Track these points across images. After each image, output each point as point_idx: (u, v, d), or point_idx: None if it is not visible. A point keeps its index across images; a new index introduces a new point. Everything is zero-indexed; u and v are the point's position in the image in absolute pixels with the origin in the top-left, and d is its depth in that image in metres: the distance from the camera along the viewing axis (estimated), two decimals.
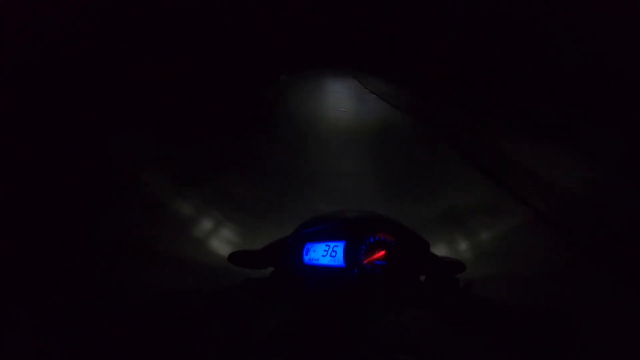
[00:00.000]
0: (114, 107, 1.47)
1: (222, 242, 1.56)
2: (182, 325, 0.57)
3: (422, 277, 0.64)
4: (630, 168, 1.42)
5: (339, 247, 0.61)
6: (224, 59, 1.73)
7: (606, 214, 1.49)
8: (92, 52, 1.31)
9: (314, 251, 0.62)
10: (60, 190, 1.33)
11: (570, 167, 1.71)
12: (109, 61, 1.37)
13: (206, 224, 1.63)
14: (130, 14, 1.33)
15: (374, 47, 1.84)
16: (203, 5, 1.41)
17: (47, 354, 0.79)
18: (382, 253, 0.60)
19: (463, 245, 1.60)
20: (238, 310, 0.62)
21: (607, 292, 1.24)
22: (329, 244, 0.62)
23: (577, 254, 1.48)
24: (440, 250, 1.56)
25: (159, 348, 0.53)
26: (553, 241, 1.58)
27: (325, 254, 0.61)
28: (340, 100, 2.29)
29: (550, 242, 1.58)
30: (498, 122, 1.90)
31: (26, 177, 1.21)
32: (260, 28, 1.63)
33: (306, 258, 0.62)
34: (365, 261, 0.60)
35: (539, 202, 1.75)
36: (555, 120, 1.69)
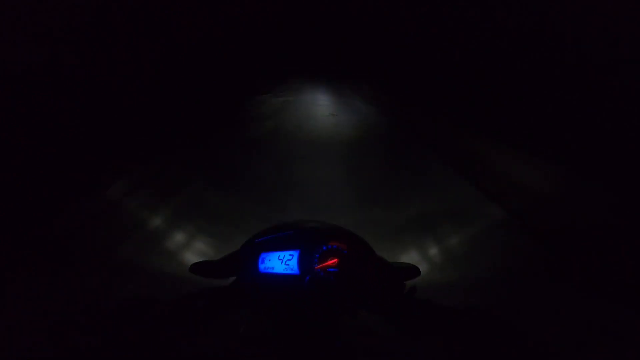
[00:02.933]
0: (82, 116, 1.45)
1: (195, 254, 1.55)
2: (149, 331, 0.58)
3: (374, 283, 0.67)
4: (597, 172, 1.47)
5: (293, 256, 0.64)
6: (199, 67, 1.74)
7: (574, 216, 1.55)
8: (61, 59, 1.30)
9: (269, 260, 0.65)
10: (24, 200, 1.30)
11: (541, 170, 1.78)
12: (79, 68, 1.36)
13: (179, 236, 1.62)
14: (102, 22, 1.33)
15: (351, 54, 1.89)
16: (179, 13, 1.43)
17: None
18: (334, 260, 0.63)
19: (433, 250, 1.66)
20: (198, 318, 0.63)
21: (566, 297, 1.26)
22: (283, 253, 0.64)
23: (541, 257, 1.54)
24: (410, 255, 1.61)
25: (128, 354, 0.54)
26: (520, 245, 1.64)
27: (280, 262, 0.64)
28: (316, 108, 2.33)
29: (516, 246, 1.64)
30: (473, 127, 1.96)
31: None
32: (236, 36, 1.65)
33: (261, 267, 0.65)
34: (318, 267, 0.62)
35: (511, 203, 1.81)
36: (527, 126, 1.75)
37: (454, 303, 0.64)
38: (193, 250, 1.57)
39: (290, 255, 0.64)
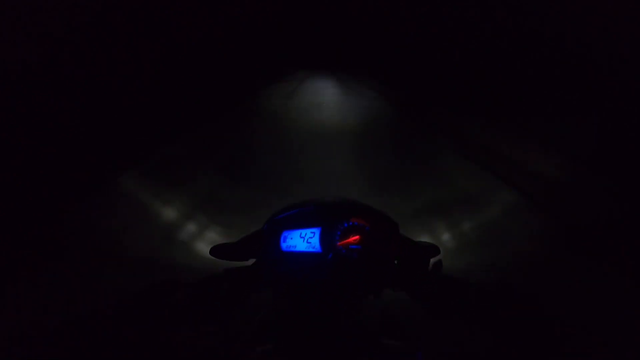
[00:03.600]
0: (93, 107, 1.44)
1: (207, 243, 1.56)
2: (170, 317, 0.58)
3: (396, 261, 0.66)
4: (606, 161, 1.45)
5: (314, 234, 0.63)
6: (205, 59, 1.72)
7: (587, 201, 1.54)
8: (72, 52, 1.29)
9: (291, 238, 0.64)
10: (39, 196, 1.31)
11: (552, 158, 1.75)
12: (87, 61, 1.35)
13: (191, 227, 1.63)
14: (110, 15, 1.32)
15: (357, 43, 1.86)
16: (183, 6, 1.41)
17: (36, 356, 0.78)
18: (356, 237, 0.61)
19: (446, 236, 1.65)
20: (222, 300, 0.63)
21: (586, 278, 1.26)
22: (304, 230, 0.63)
23: (555, 241, 1.52)
24: (422, 239, 1.60)
25: (148, 342, 0.54)
26: (533, 229, 1.63)
27: (301, 240, 0.63)
28: (323, 97, 2.31)
29: (530, 231, 1.63)
30: (485, 116, 1.93)
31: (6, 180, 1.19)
32: (241, 26, 1.63)
33: (283, 245, 0.64)
34: (340, 244, 0.61)
35: (523, 188, 1.78)
36: (539, 116, 1.72)
37: (478, 284, 0.63)
38: (206, 240, 1.58)
39: (312, 232, 0.63)
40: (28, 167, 1.27)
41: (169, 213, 1.68)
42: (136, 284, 1.23)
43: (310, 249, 0.62)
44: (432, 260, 0.66)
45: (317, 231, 0.62)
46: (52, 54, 1.21)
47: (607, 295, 1.12)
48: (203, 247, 1.54)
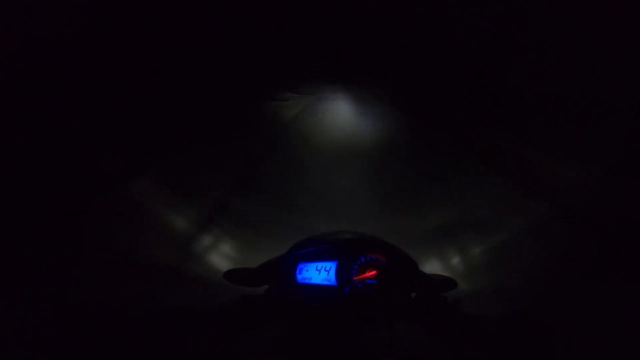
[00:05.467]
0: (105, 112, 1.45)
1: (221, 257, 1.57)
2: (181, 340, 0.59)
3: (413, 295, 0.67)
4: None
5: (331, 267, 0.64)
6: (221, 71, 1.75)
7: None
8: (81, 53, 1.30)
9: (307, 270, 0.65)
10: (47, 206, 1.30)
11: (573, 169, 1.67)
12: (98, 63, 1.36)
13: (204, 239, 1.64)
14: (121, 17, 1.34)
15: (369, 53, 1.87)
16: (186, 14, 1.43)
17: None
18: (373, 272, 0.63)
19: (455, 260, 1.63)
20: (234, 326, 0.64)
21: (602, 303, 1.23)
22: (321, 263, 0.65)
23: (568, 265, 1.47)
24: (432, 264, 1.59)
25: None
26: (546, 254, 1.59)
27: (317, 273, 0.64)
28: (337, 113, 2.33)
29: (541, 255, 1.59)
30: (503, 127, 1.87)
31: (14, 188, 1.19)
32: (257, 39, 1.66)
33: (299, 277, 0.65)
34: (356, 279, 0.62)
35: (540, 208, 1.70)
36: (558, 126, 1.65)
37: (491, 313, 0.63)
38: (217, 252, 1.59)
39: (328, 266, 0.64)
40: (31, 168, 1.26)
41: (180, 223, 1.70)
42: (142, 291, 1.23)
43: (326, 282, 0.63)
44: (450, 295, 0.67)
45: (333, 265, 0.64)
46: (55, 56, 1.21)
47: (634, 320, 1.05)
48: (215, 259, 1.56)
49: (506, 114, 1.70)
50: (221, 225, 1.73)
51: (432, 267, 1.52)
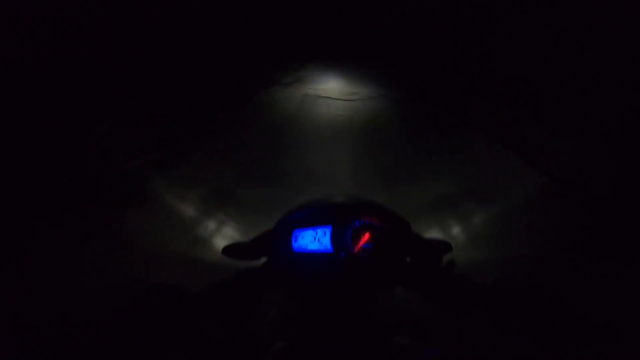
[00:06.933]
0: (105, 99, 1.43)
1: (224, 239, 1.60)
2: (183, 317, 0.61)
3: (408, 259, 0.68)
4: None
5: (325, 233, 0.64)
6: (214, 57, 1.73)
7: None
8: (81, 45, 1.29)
9: (302, 238, 0.65)
10: (54, 190, 1.30)
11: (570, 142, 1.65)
12: (96, 52, 1.35)
13: (208, 223, 1.67)
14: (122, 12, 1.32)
15: (363, 35, 1.81)
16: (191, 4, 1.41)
17: (49, 348, 0.82)
18: (367, 235, 0.63)
19: (455, 230, 1.65)
20: (235, 302, 0.65)
21: (601, 274, 1.23)
22: (316, 229, 0.65)
23: (566, 238, 1.47)
24: (432, 234, 1.61)
25: (162, 340, 0.57)
26: (546, 225, 1.59)
27: (313, 240, 0.65)
28: (330, 92, 2.30)
29: (541, 226, 1.60)
30: (499, 101, 1.85)
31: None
32: (246, 22, 1.62)
33: (295, 245, 0.66)
34: (352, 245, 0.63)
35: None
36: (554, 99, 1.63)
37: (488, 280, 0.63)
38: (222, 236, 1.62)
39: (323, 232, 0.64)
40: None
41: (182, 207, 1.72)
42: (147, 275, 1.27)
43: (322, 249, 0.64)
44: (445, 257, 0.68)
45: (328, 230, 0.64)
46: (51, 56, 1.20)
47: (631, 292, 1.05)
48: (218, 243, 1.59)
49: (502, 87, 1.68)
50: (226, 210, 1.76)
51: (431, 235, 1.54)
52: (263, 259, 0.71)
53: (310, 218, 0.66)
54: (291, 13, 1.69)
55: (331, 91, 2.30)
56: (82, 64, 1.28)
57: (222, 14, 1.54)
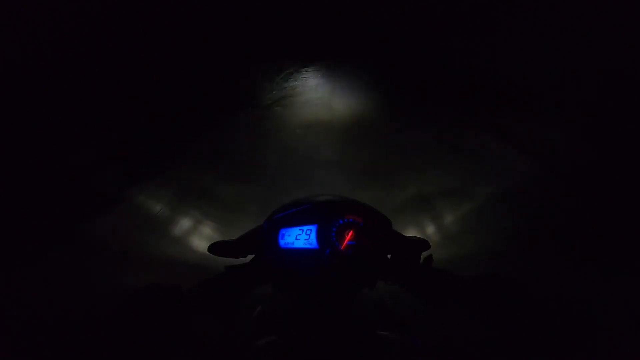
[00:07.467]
0: (76, 100, 1.39)
1: (202, 238, 1.57)
2: (173, 314, 0.59)
3: (389, 256, 0.70)
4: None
5: (311, 230, 0.66)
6: (196, 54, 1.69)
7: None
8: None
9: (289, 235, 0.67)
10: (27, 194, 1.27)
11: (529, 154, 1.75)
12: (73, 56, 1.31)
13: (184, 222, 1.63)
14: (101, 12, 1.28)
15: (347, 36, 1.84)
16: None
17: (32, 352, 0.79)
18: (351, 233, 0.65)
19: (431, 228, 1.72)
20: (221, 299, 0.65)
21: (567, 266, 1.29)
22: (302, 227, 0.66)
23: (536, 230, 1.56)
24: (409, 233, 1.66)
25: (152, 340, 0.56)
26: (513, 222, 1.68)
27: (299, 237, 0.66)
28: (312, 91, 2.31)
29: (510, 223, 1.69)
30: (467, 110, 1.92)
31: None
32: (232, 16, 1.59)
33: (282, 242, 0.67)
34: (337, 242, 0.65)
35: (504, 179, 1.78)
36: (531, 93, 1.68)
37: (465, 273, 0.67)
38: (200, 235, 1.59)
39: (309, 229, 0.66)
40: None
41: (158, 208, 1.67)
42: (133, 280, 1.24)
43: (308, 246, 0.65)
44: (423, 254, 0.71)
45: (313, 228, 0.66)
46: (46, 56, 1.18)
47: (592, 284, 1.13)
48: (197, 243, 1.55)
49: (486, 83, 1.72)
50: (203, 209, 1.72)
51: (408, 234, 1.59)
52: (249, 257, 0.71)
53: (297, 217, 0.67)
54: (283, 10, 1.68)
55: (313, 88, 2.30)
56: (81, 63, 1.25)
57: (190, 12, 1.51)
